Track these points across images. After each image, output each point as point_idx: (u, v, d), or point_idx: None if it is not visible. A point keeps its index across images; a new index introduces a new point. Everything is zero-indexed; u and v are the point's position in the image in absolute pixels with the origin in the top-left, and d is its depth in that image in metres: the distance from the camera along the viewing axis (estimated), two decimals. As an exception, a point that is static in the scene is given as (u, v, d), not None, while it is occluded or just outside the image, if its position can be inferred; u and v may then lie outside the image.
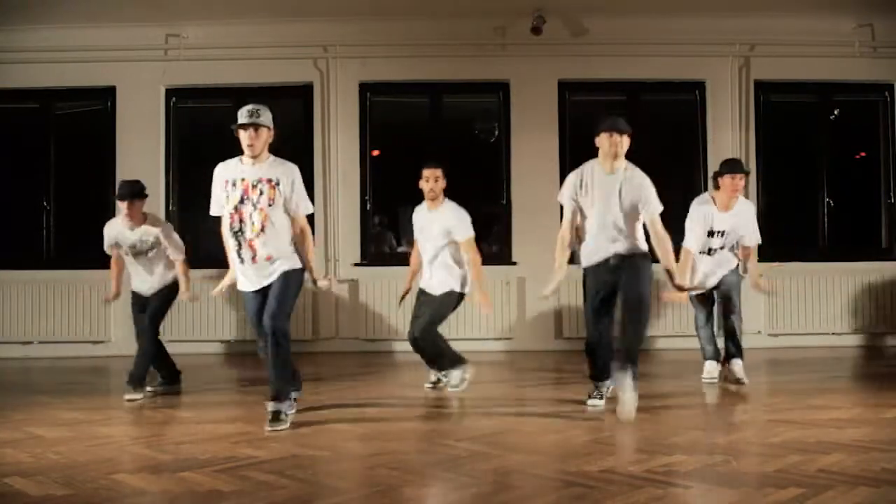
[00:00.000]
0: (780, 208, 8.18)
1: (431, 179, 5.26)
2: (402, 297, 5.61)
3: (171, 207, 8.15)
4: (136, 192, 5.30)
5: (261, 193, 4.12)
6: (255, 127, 4.07)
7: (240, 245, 4.18)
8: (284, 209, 4.20)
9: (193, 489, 3.06)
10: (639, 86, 8.10)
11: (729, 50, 8.09)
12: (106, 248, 5.49)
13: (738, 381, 5.33)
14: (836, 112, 8.40)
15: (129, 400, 5.08)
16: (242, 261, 4.20)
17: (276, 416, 4.15)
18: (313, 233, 8.05)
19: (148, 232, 5.35)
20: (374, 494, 2.98)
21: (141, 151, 8.04)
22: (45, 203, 8.17)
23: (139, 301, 5.53)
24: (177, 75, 8.13)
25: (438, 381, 5.40)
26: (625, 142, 4.40)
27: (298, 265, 4.29)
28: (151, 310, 5.43)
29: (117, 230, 5.39)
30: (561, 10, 7.88)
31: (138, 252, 5.37)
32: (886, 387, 5.42)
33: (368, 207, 8.20)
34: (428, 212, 5.34)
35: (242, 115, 4.08)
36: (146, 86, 8.14)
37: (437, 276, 5.26)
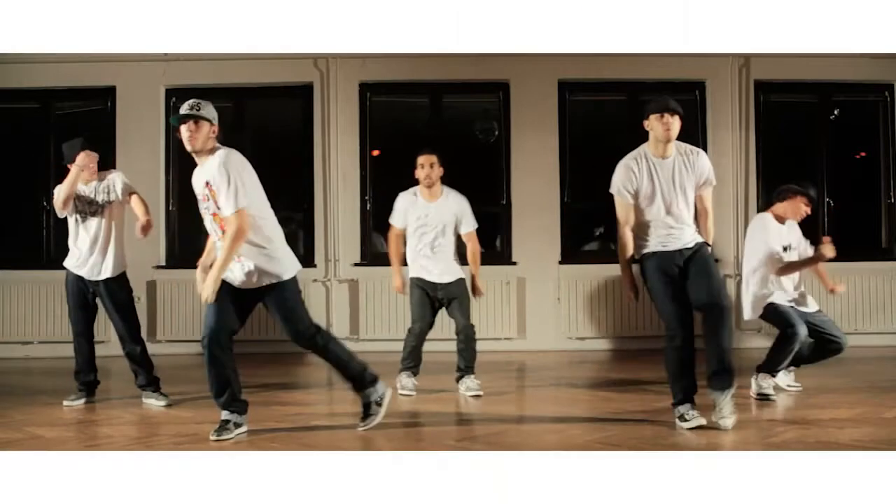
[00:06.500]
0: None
1: (427, 166, 5.16)
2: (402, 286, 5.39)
3: (170, 207, 8.15)
4: (77, 151, 4.80)
5: (208, 199, 3.86)
6: (194, 119, 3.81)
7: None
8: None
9: (193, 489, 3.05)
10: (639, 86, 8.09)
11: (729, 50, 8.10)
12: (57, 204, 4.91)
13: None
14: (836, 112, 8.39)
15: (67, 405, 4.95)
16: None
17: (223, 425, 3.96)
18: (313, 232, 8.22)
19: (104, 182, 4.90)
20: (374, 494, 2.98)
21: (141, 151, 8.03)
22: (45, 203, 8.17)
23: (80, 291, 5.06)
24: (177, 75, 8.13)
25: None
26: (676, 123, 3.99)
27: (280, 273, 3.95)
28: (119, 322, 5.04)
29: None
30: (561, 10, 7.88)
31: (93, 210, 4.92)
32: (886, 387, 5.42)
33: (368, 207, 8.21)
34: (427, 202, 5.22)
35: (183, 108, 3.88)
36: (146, 86, 8.13)
37: (442, 265, 5.17)
